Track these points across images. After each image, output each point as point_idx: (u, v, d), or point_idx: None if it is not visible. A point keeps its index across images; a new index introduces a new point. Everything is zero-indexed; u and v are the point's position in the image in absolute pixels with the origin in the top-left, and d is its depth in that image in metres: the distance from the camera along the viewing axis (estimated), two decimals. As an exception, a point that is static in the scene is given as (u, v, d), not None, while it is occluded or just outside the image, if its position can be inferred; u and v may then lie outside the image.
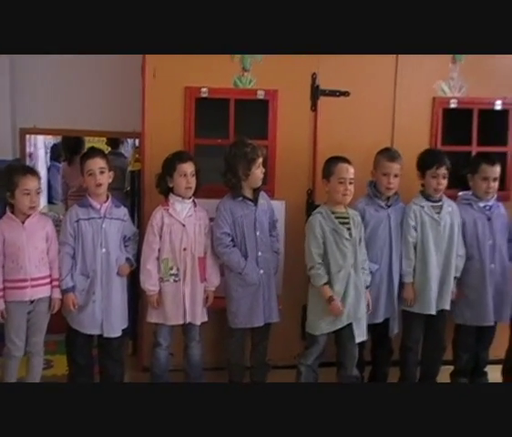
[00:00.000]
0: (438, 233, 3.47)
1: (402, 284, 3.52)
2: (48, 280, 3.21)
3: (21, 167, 3.37)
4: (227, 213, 3.32)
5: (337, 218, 3.30)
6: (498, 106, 3.89)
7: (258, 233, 3.36)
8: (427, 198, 3.52)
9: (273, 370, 3.55)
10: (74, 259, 3.25)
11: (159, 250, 3.29)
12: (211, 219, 3.39)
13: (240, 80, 3.65)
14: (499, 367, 3.77)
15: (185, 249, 3.28)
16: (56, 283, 3.22)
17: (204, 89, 3.59)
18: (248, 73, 3.65)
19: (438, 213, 3.49)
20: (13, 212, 3.16)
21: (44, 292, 3.19)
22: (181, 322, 3.32)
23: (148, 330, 3.49)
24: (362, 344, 3.41)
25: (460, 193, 3.70)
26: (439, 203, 3.52)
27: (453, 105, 3.84)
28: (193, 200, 3.36)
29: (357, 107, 3.74)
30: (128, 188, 4.54)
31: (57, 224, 3.49)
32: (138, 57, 3.64)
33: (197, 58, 3.36)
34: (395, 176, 3.46)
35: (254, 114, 3.67)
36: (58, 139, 6.19)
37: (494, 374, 3.74)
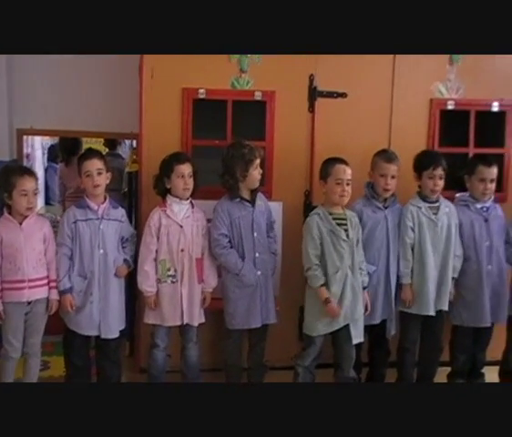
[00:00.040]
0: (436, 234, 3.47)
1: (399, 285, 3.52)
2: (46, 282, 3.20)
3: (18, 168, 3.36)
4: (224, 214, 3.32)
5: (334, 219, 3.30)
6: (495, 107, 3.89)
7: (255, 234, 3.36)
8: (424, 199, 3.52)
9: (271, 371, 3.55)
10: (71, 260, 3.25)
11: (157, 251, 3.29)
12: (209, 221, 3.39)
13: (237, 81, 3.65)
14: (496, 368, 3.78)
15: (182, 251, 3.28)
16: (53, 284, 3.22)
17: (202, 90, 3.60)
18: (245, 74, 3.65)
19: (435, 214, 3.49)
20: (10, 213, 3.15)
21: (41, 293, 3.19)
22: (179, 323, 3.32)
23: (146, 332, 3.49)
24: (359, 345, 3.40)
25: (457, 194, 3.71)
26: (436, 204, 3.52)
27: (450, 106, 3.84)
28: (191, 201, 3.36)
29: (354, 109, 3.74)
30: (126, 190, 4.55)
31: (55, 225, 3.48)
32: (136, 58, 3.64)
33: (194, 59, 3.36)
34: (393, 177, 3.46)
35: (252, 115, 3.67)
36: (56, 140, 6.19)
37: (491, 375, 3.74)
